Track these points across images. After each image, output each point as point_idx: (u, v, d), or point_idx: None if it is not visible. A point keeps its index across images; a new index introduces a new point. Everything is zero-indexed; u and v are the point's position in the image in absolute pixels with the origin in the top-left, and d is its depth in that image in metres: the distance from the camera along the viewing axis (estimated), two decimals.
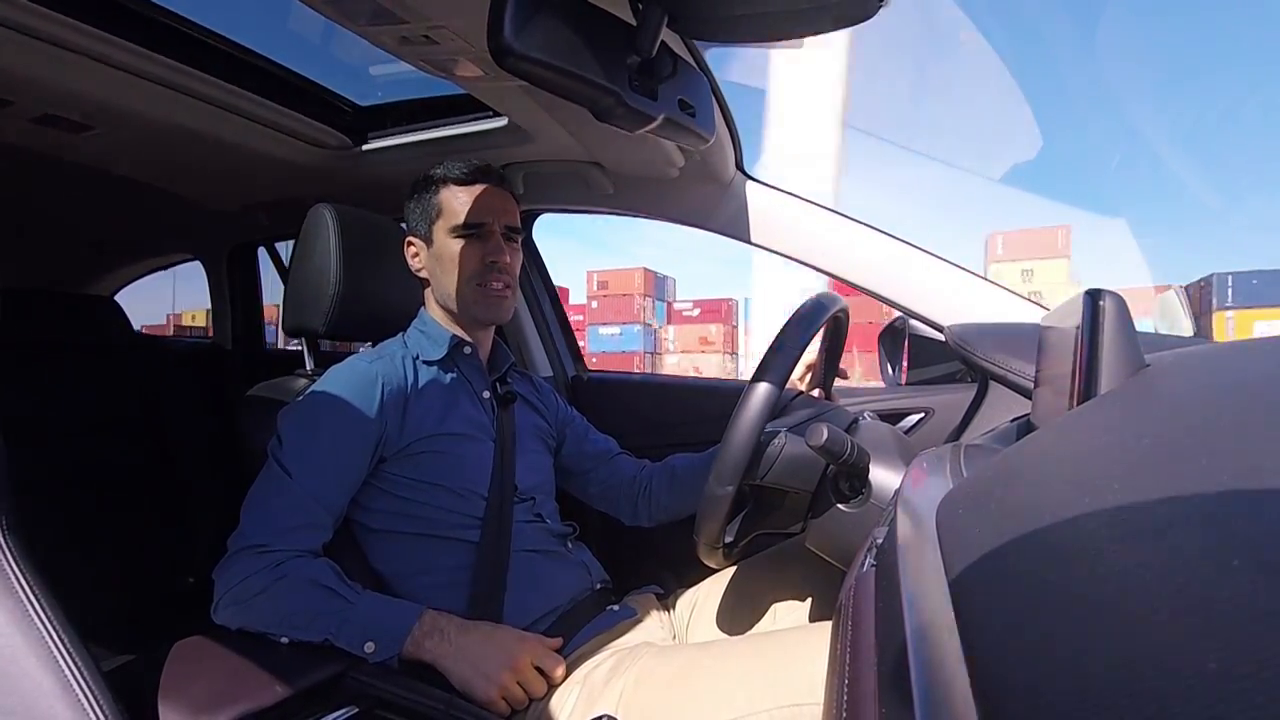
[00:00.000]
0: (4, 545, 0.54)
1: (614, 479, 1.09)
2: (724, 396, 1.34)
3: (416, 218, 0.96)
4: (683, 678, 0.71)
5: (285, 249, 1.87)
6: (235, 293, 1.94)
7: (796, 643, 0.70)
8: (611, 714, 0.70)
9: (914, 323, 1.16)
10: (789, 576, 0.91)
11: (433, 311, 0.98)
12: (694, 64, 0.66)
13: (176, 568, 1.56)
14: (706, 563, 0.78)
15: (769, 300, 7.03)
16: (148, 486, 1.57)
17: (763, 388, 0.71)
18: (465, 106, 1.20)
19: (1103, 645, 0.19)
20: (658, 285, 14.78)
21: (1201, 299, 8.44)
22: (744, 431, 0.70)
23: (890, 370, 1.23)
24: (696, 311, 14.29)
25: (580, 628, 0.86)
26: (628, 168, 1.21)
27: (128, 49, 0.93)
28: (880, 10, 0.51)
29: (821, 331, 0.87)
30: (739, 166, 1.18)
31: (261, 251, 1.95)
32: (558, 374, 1.53)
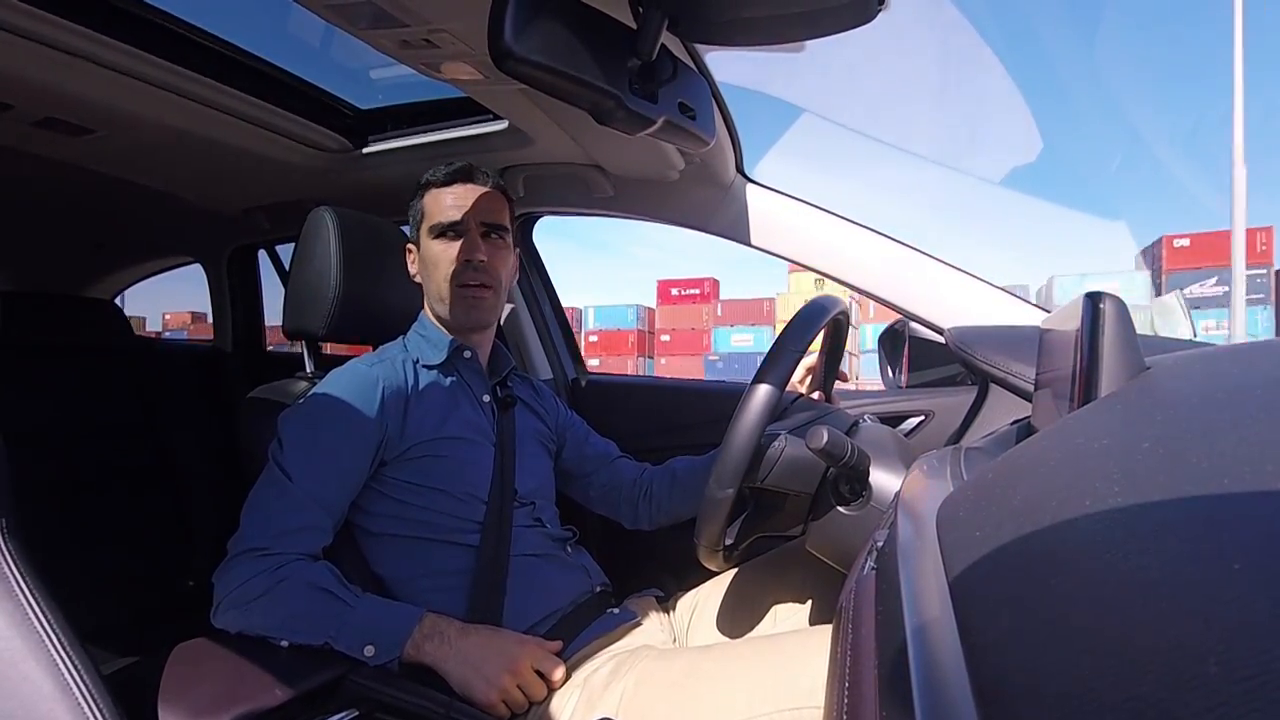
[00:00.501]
0: (4, 548, 0.54)
1: (614, 482, 1.09)
2: (724, 399, 1.34)
3: (411, 224, 0.98)
4: (683, 681, 0.71)
5: (286, 252, 1.88)
6: (235, 295, 1.94)
7: (797, 646, 0.70)
8: (611, 717, 0.70)
9: (914, 325, 1.16)
10: (789, 579, 0.91)
11: (430, 316, 0.98)
12: (694, 67, 0.66)
13: (176, 571, 1.55)
14: (707, 565, 0.77)
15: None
16: (148, 489, 1.56)
17: (763, 390, 0.71)
18: (465, 109, 1.20)
19: (1103, 648, 0.19)
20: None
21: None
22: (744, 434, 0.70)
23: (890, 373, 1.23)
24: None
25: (580, 631, 0.86)
26: (628, 170, 1.21)
27: (129, 53, 0.93)
28: (880, 13, 0.51)
29: (822, 334, 0.87)
30: (739, 169, 1.18)
31: (262, 254, 1.96)
32: (558, 377, 1.53)
